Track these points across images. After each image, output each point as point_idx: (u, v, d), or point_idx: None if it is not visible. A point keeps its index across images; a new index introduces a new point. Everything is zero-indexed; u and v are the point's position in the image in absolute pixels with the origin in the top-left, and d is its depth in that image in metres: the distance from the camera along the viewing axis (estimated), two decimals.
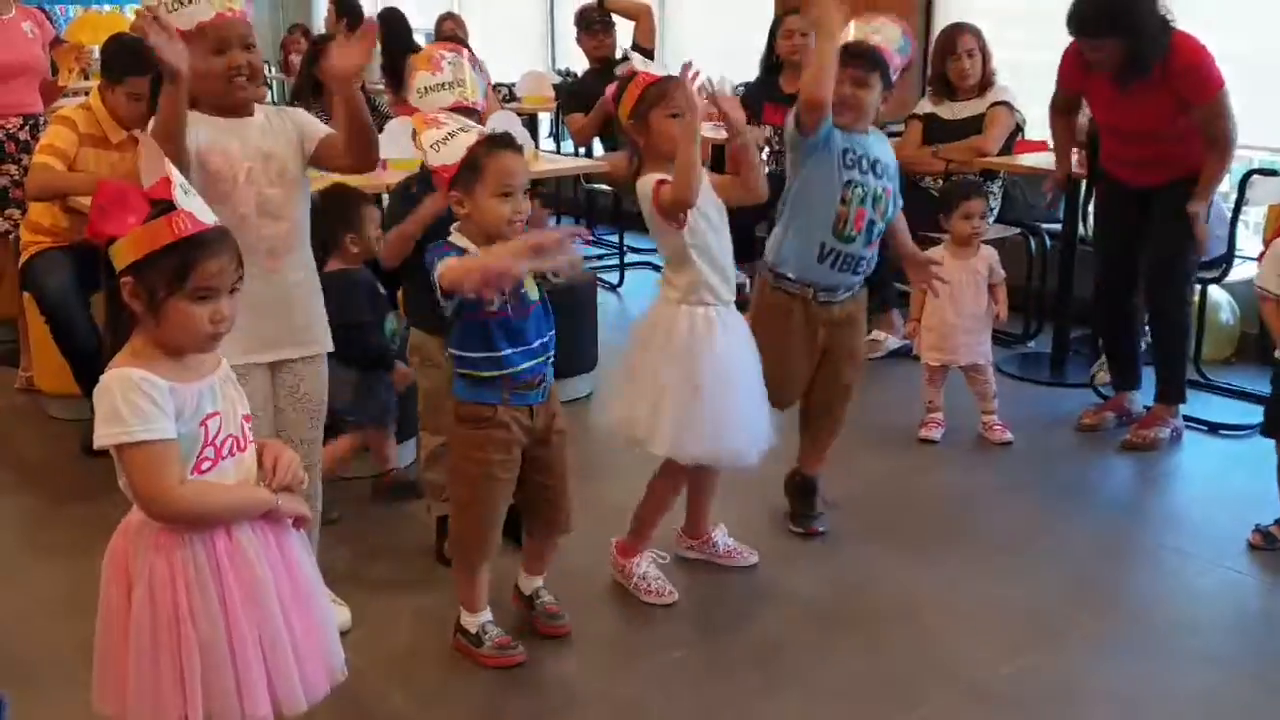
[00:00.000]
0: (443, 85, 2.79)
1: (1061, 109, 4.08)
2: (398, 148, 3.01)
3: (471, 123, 2.51)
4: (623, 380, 2.87)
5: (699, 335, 2.77)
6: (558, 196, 6.95)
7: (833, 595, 3.01)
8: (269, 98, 5.66)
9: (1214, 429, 4.07)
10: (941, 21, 5.59)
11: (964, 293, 3.94)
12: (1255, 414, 4.08)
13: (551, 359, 2.55)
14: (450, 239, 2.45)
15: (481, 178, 2.39)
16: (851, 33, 3.01)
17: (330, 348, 2.64)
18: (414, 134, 2.55)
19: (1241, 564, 3.16)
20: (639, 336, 2.85)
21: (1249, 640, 2.86)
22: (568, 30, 6.61)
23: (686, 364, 2.75)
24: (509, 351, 2.46)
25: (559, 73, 7.57)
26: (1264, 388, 4.19)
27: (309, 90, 4.51)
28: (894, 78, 3.04)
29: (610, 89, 2.85)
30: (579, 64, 7.03)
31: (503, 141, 2.44)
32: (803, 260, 3.06)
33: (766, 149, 5.30)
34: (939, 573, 3.12)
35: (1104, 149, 3.94)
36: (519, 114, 5.29)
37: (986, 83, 4.91)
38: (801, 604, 2.97)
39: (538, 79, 7.05)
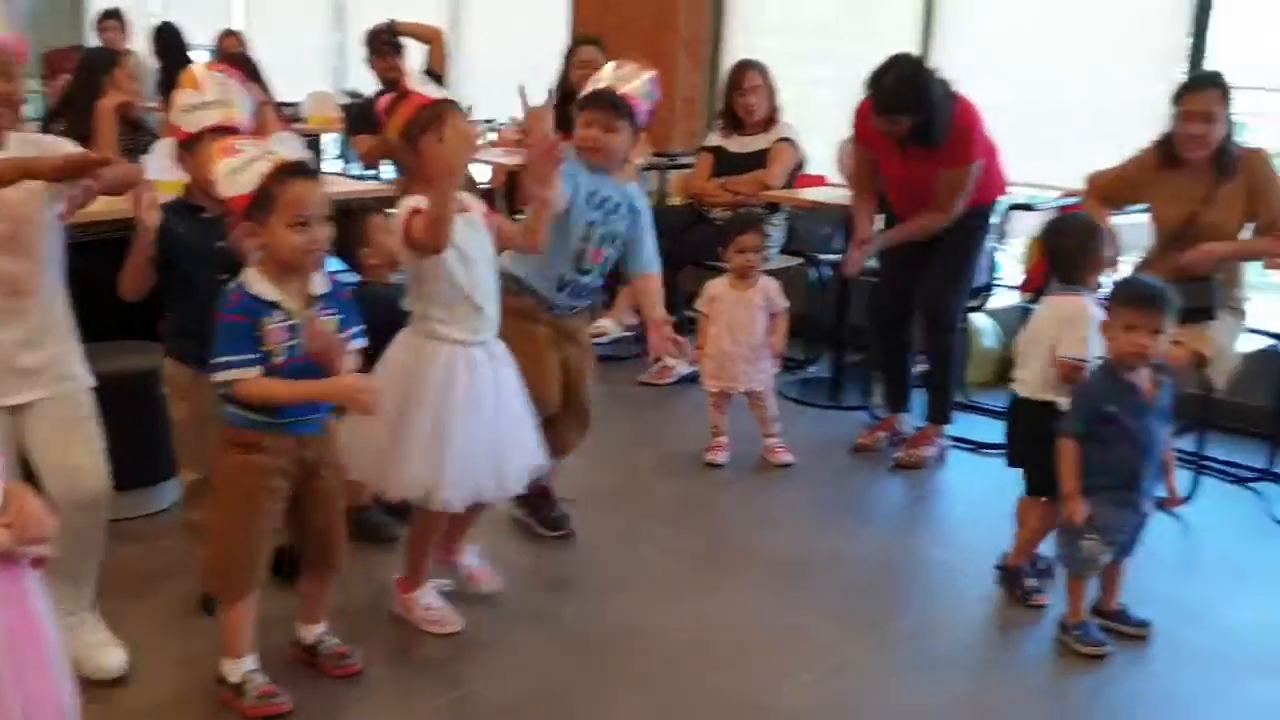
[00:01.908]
0: (206, 104, 2.68)
1: (865, 178, 4.17)
2: (161, 169, 2.87)
3: (276, 149, 2.40)
4: (364, 422, 2.66)
5: (442, 374, 2.68)
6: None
7: (618, 624, 3.01)
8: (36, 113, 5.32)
9: (978, 448, 4.30)
10: (731, 58, 5.78)
11: (742, 322, 4.06)
12: None
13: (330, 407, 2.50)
14: (245, 282, 2.37)
15: (275, 207, 2.32)
16: (606, 78, 3.10)
17: (90, 383, 2.52)
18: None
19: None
20: (383, 372, 2.70)
21: (1011, 649, 3.03)
22: (357, 50, 6.49)
23: (432, 404, 2.66)
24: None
25: (347, 93, 7.42)
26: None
27: (75, 109, 4.25)
28: (642, 121, 3.12)
29: (382, 101, 2.80)
30: (368, 85, 6.93)
31: (296, 169, 2.36)
32: (542, 286, 3.12)
33: None
34: (722, 597, 3.18)
35: (889, 193, 4.14)
36: (304, 135, 5.17)
37: (772, 119, 5.08)
38: (584, 633, 2.96)
39: (323, 99, 6.91)
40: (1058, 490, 2.89)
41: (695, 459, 4.10)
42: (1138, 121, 4.57)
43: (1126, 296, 2.82)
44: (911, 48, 5.32)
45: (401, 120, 2.68)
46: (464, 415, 2.69)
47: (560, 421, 3.19)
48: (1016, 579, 3.17)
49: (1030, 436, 3.09)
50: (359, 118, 6.17)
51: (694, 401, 4.23)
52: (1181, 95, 3.59)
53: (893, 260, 4.15)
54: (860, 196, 4.18)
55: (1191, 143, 3.56)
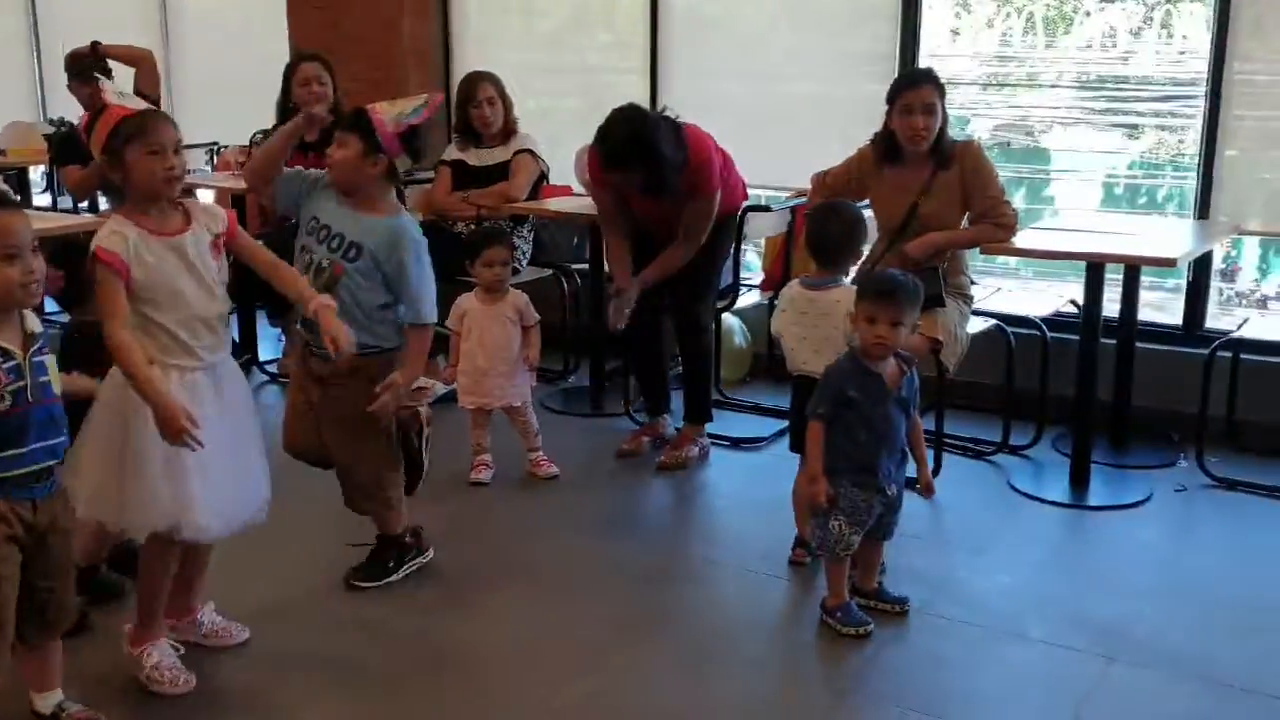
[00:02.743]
0: None
1: (610, 219, 4.18)
2: None
3: None
4: (86, 447, 2.52)
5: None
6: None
7: (392, 649, 2.91)
8: None
9: (736, 443, 4.40)
10: (465, 70, 5.71)
11: (494, 337, 4.00)
12: (770, 426, 4.50)
13: (60, 455, 2.31)
14: None
15: None
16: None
17: None
18: None
19: (768, 566, 3.39)
20: (103, 399, 2.55)
21: (779, 638, 3.09)
22: (58, 77, 6.04)
23: (156, 433, 2.47)
24: (13, 451, 2.21)
25: (51, 123, 6.89)
26: (776, 402, 4.67)
27: None
28: (386, 142, 2.99)
29: (83, 121, 2.64)
30: (73, 112, 6.46)
31: None
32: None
33: None
34: (494, 612, 3.13)
35: (640, 224, 4.16)
36: (3, 169, 4.75)
37: (510, 130, 5.03)
38: (358, 663, 2.85)
39: (24, 130, 6.39)
40: None
41: (459, 479, 4.00)
42: (856, 120, 4.84)
43: (867, 289, 2.92)
44: (641, 52, 5.44)
45: (103, 135, 2.52)
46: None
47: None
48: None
49: None
50: (64, 147, 5.73)
51: (454, 421, 4.13)
52: (900, 90, 3.77)
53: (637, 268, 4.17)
54: (612, 240, 4.19)
55: (914, 135, 3.74)
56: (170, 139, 2.53)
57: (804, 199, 4.55)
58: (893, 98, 3.79)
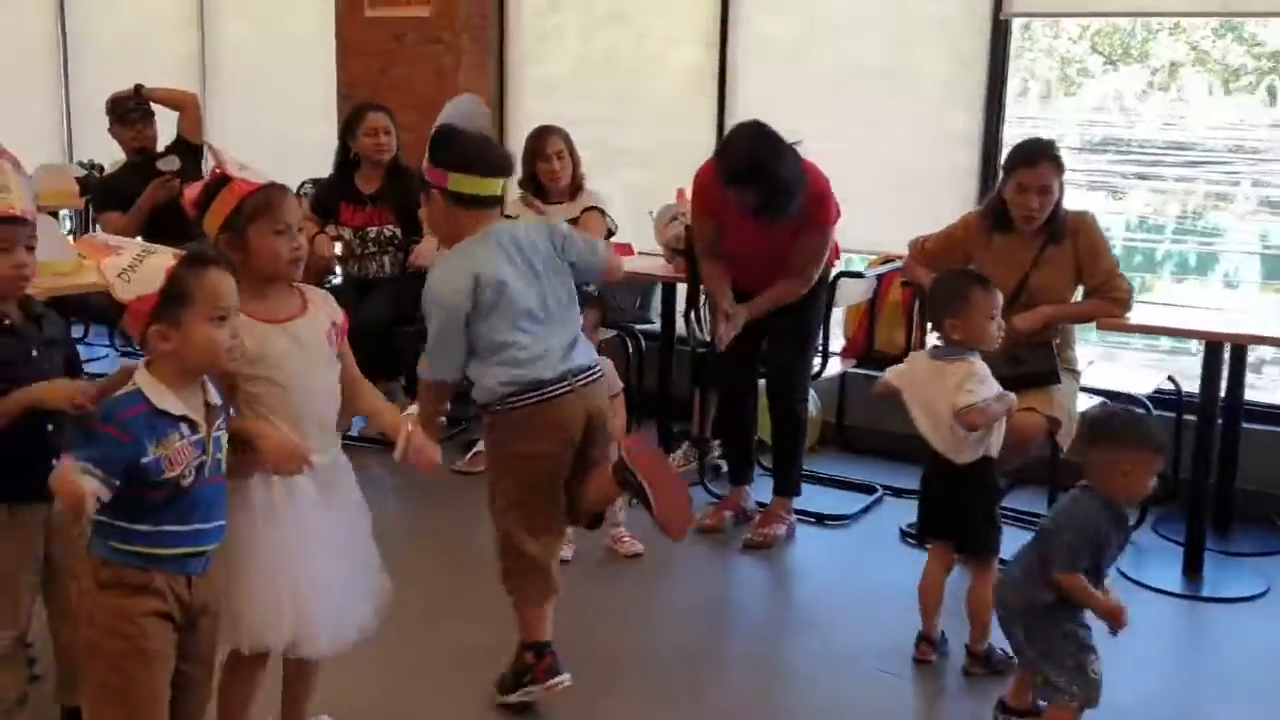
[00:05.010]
0: None
1: (710, 248, 3.99)
2: None
3: (153, 245, 2.12)
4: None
5: (267, 504, 2.31)
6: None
7: None
8: None
9: (820, 520, 4.21)
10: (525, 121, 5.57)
11: None
12: (853, 501, 4.32)
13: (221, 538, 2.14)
14: (142, 393, 2.00)
15: (191, 303, 2.00)
16: None
17: None
18: None
19: (889, 664, 3.18)
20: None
21: None
22: (88, 119, 5.85)
23: (258, 538, 2.29)
24: (176, 528, 2.04)
25: (81, 165, 6.69)
26: (856, 474, 4.50)
27: None
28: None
29: (189, 192, 2.43)
30: (103, 155, 6.27)
31: (205, 258, 2.07)
32: None
33: (343, 249, 4.96)
34: (609, 708, 2.92)
35: (732, 266, 3.97)
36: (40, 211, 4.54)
37: (578, 186, 4.87)
38: None
39: (57, 172, 6.17)
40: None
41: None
42: (944, 186, 4.72)
43: (1129, 434, 2.61)
44: (707, 115, 5.30)
45: (224, 211, 2.33)
46: (298, 552, 2.33)
47: None
48: (994, 660, 3.11)
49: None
50: (103, 192, 5.57)
51: None
52: (1016, 166, 3.61)
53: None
54: (714, 269, 3.99)
55: (1028, 215, 3.60)
56: (296, 217, 2.37)
57: (892, 264, 4.42)
58: (1008, 171, 3.64)
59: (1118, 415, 2.72)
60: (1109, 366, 4.42)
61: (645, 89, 5.58)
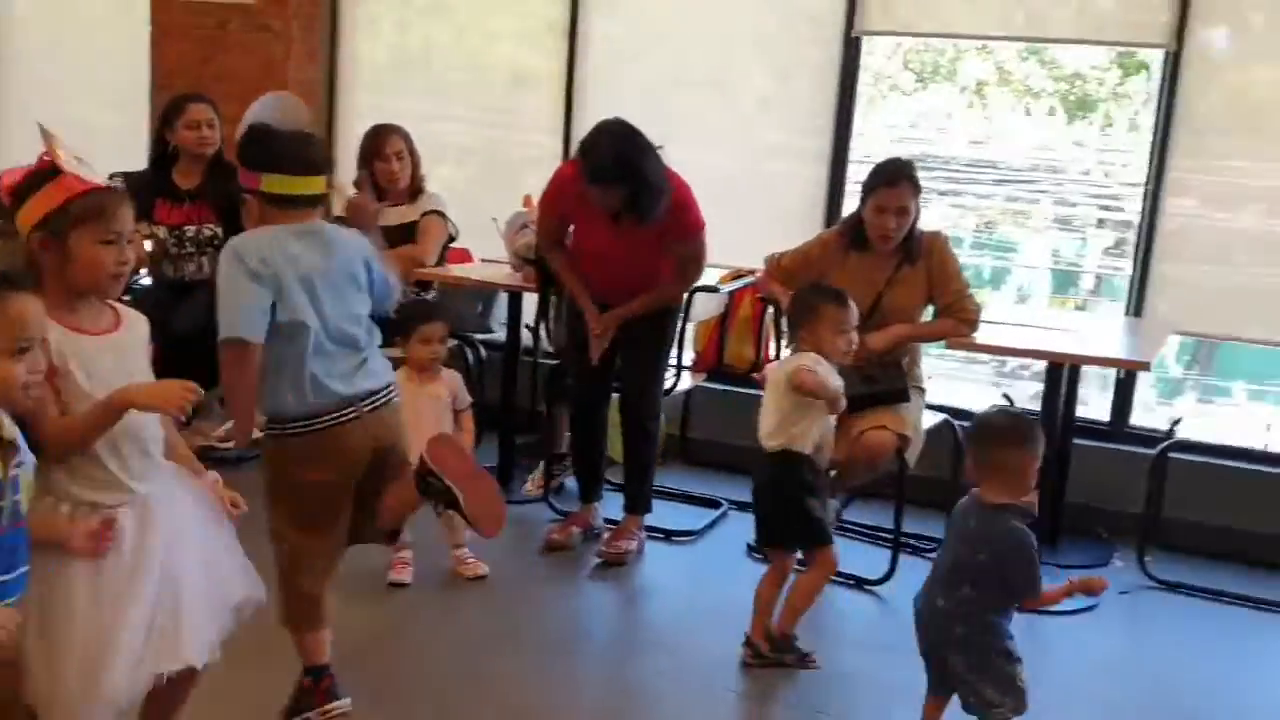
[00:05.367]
0: None
1: (556, 243, 3.90)
2: None
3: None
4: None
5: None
6: None
7: None
8: None
9: (668, 536, 4.15)
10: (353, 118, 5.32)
11: (428, 420, 3.62)
12: (700, 516, 4.28)
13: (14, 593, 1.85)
14: None
15: None
16: None
17: None
18: None
19: (737, 682, 3.15)
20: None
21: None
22: None
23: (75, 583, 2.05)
24: None
25: None
26: (694, 488, 4.47)
27: None
28: None
29: (6, 178, 2.15)
30: None
31: (7, 280, 1.81)
32: None
33: (155, 247, 4.61)
34: None
35: (584, 269, 3.87)
36: None
37: (417, 188, 4.67)
38: None
39: None
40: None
41: (377, 579, 3.59)
42: (793, 201, 4.74)
43: (1036, 433, 2.63)
44: (554, 107, 5.17)
45: (45, 207, 2.07)
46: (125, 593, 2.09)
47: None
48: (789, 647, 3.13)
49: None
50: None
51: None
52: (875, 187, 3.63)
53: (585, 342, 3.88)
54: (571, 275, 3.88)
55: (884, 235, 3.63)
56: (128, 227, 2.13)
57: (745, 280, 4.41)
58: (868, 191, 3.66)
59: (1021, 415, 2.77)
60: (947, 384, 4.52)
61: (474, 85, 5.44)
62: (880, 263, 3.71)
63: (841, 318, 3.12)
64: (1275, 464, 4.23)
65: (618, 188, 3.54)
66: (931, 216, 4.37)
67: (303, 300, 2.54)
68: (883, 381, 3.62)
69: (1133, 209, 4.45)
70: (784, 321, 3.89)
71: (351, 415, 2.59)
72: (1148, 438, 4.31)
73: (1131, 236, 4.46)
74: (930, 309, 3.78)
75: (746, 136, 4.90)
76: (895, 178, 3.61)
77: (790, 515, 3.14)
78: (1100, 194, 4.77)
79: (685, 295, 3.94)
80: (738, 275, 4.44)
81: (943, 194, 4.88)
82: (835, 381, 3.07)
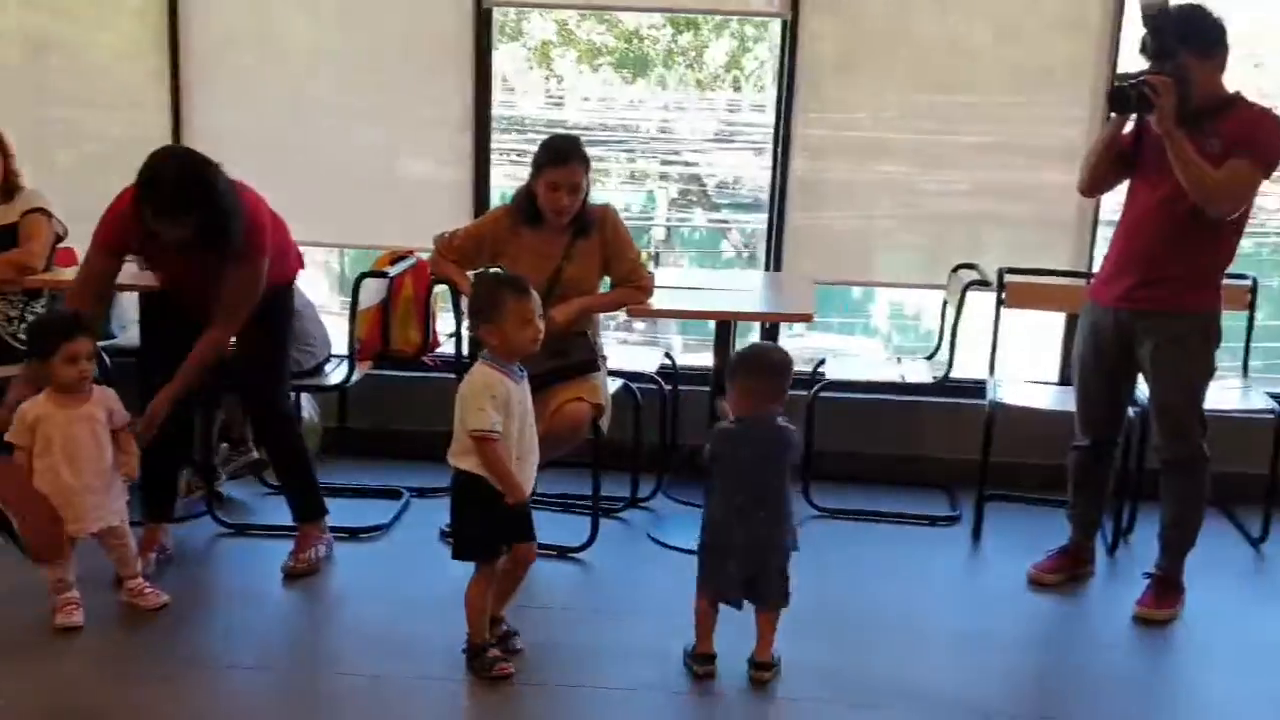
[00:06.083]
0: None
1: (89, 295, 3.51)
2: None
3: None
4: None
5: None
6: None
7: None
8: None
9: (353, 534, 3.97)
10: None
11: (81, 447, 3.24)
12: (380, 510, 4.14)
13: None
14: None
15: None
16: None
17: None
18: None
19: (443, 669, 3.09)
20: None
21: None
22: None
23: None
24: None
25: None
26: (366, 480, 4.33)
27: None
28: None
29: None
30: None
31: None
32: None
33: None
34: None
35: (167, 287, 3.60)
36: None
37: (12, 186, 4.10)
38: None
39: None
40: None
41: (41, 627, 3.19)
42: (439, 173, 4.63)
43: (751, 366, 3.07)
44: (157, 82, 4.71)
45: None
46: None
47: None
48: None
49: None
50: None
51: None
52: (545, 164, 3.61)
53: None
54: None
55: (559, 211, 3.63)
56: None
57: (406, 262, 4.28)
58: (538, 168, 3.64)
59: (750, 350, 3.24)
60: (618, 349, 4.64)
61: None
62: (554, 237, 3.72)
63: (526, 309, 3.00)
64: (904, 393, 4.69)
65: (188, 220, 3.24)
66: (499, 177, 4.52)
67: None
68: (573, 354, 3.65)
69: (700, 163, 4.74)
70: (462, 302, 3.83)
71: None
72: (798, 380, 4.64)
73: (695, 188, 4.78)
74: (606, 280, 3.84)
75: (391, 114, 4.74)
76: (567, 155, 3.61)
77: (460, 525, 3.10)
78: (665, 150, 5.02)
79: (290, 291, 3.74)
80: (397, 257, 4.28)
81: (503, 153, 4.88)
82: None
